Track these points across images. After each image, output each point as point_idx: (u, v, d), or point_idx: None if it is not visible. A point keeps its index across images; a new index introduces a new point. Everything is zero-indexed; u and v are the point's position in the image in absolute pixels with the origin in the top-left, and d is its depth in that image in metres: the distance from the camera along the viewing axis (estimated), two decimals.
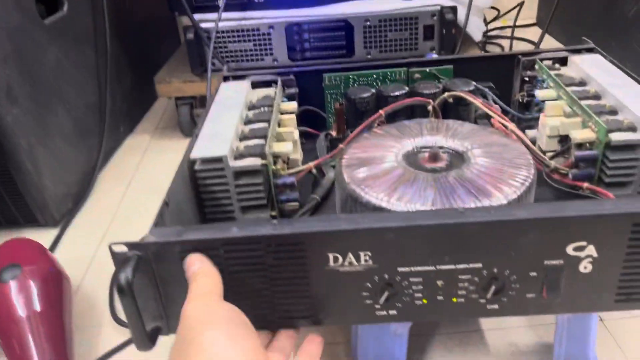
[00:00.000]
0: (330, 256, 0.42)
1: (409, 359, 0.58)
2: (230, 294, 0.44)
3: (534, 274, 0.43)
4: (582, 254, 0.42)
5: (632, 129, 0.54)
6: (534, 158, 0.57)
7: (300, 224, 0.42)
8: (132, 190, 1.04)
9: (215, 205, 0.57)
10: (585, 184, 0.55)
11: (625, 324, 0.66)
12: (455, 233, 0.41)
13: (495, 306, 0.45)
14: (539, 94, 0.64)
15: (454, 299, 0.45)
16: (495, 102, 0.68)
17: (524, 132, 0.66)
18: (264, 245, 0.42)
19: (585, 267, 0.43)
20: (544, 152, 0.62)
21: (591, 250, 0.42)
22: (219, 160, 0.54)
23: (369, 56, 1.15)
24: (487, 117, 0.66)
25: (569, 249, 0.42)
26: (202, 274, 0.41)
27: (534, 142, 0.64)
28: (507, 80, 0.75)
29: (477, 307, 0.45)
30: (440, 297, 0.44)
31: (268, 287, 0.44)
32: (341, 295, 0.44)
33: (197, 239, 0.42)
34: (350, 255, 0.42)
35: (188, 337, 0.36)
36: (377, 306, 0.45)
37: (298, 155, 0.63)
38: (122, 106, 1.23)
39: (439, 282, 0.44)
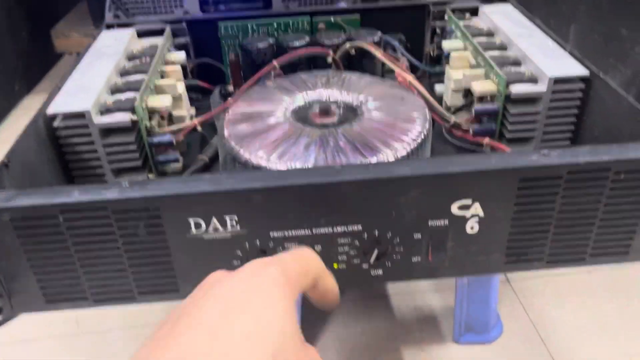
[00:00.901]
0: (192, 222, 0.37)
1: (313, 327, 0.54)
2: (80, 268, 0.39)
3: (418, 235, 0.39)
4: (467, 213, 0.39)
5: (533, 80, 0.51)
6: (435, 113, 0.53)
7: (154, 186, 0.37)
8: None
9: (82, 168, 0.51)
10: (486, 140, 0.52)
11: (530, 284, 0.65)
12: (331, 193, 0.37)
13: (380, 272, 0.41)
14: (445, 45, 0.60)
15: (335, 265, 0.41)
16: (404, 55, 0.64)
17: (433, 87, 0.62)
18: (111, 211, 0.36)
19: (472, 227, 0.39)
20: (449, 107, 0.59)
21: (477, 208, 0.38)
22: (80, 115, 0.48)
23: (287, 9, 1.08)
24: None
25: (454, 208, 0.38)
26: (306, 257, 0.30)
27: (441, 96, 0.61)
28: (419, 32, 0.71)
29: (359, 274, 0.41)
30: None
31: (122, 261, 0.38)
32: (209, 265, 0.39)
33: (30, 205, 0.36)
34: (214, 220, 0.37)
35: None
36: None
37: (184, 112, 0.57)
38: (18, 63, 1.12)
39: (317, 247, 0.39)
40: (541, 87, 0.50)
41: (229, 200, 0.37)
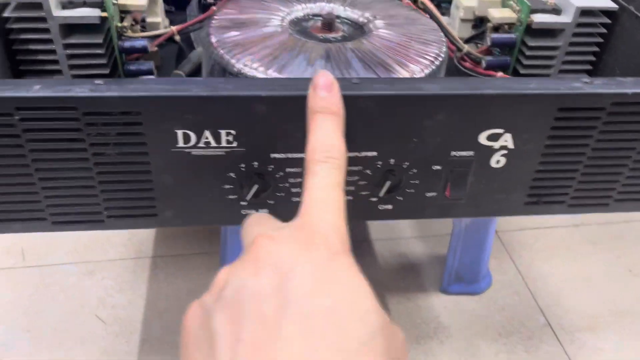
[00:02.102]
0: (179, 133, 0.31)
1: None
2: (38, 181, 0.32)
3: (437, 167, 0.35)
4: (496, 144, 0.34)
5: (556, 11, 0.46)
6: (447, 40, 0.48)
7: (136, 85, 0.30)
8: None
9: (37, 72, 0.43)
10: (499, 74, 0.47)
11: (520, 237, 0.62)
12: (347, 110, 0.32)
13: (389, 206, 0.37)
14: None
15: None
16: None
17: None
18: (81, 112, 0.30)
19: (497, 160, 0.35)
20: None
21: (507, 139, 0.34)
22: (37, 6, 0.39)
23: None
24: None
25: (482, 138, 0.34)
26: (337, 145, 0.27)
27: None
28: None
29: (366, 207, 0.36)
30: None
31: (91, 175, 0.32)
32: (196, 188, 0.34)
33: None
34: (207, 133, 0.31)
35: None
36: (243, 203, 0.35)
37: (159, 19, 0.49)
38: None
39: None
40: (566, 18, 0.45)
41: (228, 110, 0.31)
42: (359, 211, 0.36)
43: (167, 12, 0.58)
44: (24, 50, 0.41)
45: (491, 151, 0.34)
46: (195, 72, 0.51)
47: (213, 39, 0.41)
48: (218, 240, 0.54)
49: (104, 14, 0.41)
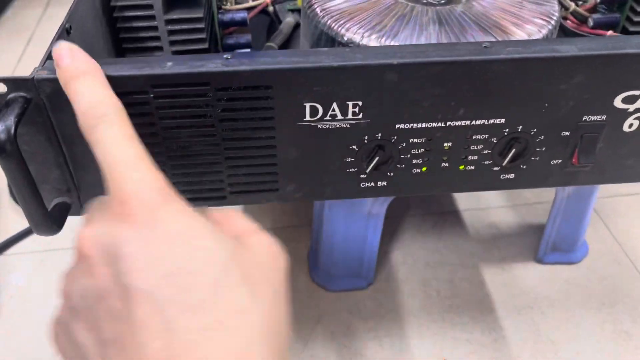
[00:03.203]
0: (307, 106, 0.31)
1: (383, 244, 0.49)
2: (167, 158, 0.32)
3: (566, 133, 0.33)
4: (631, 107, 0.32)
5: None
6: None
7: (266, 59, 0.29)
8: (33, 47, 0.85)
9: (138, 49, 0.43)
10: (609, 32, 0.45)
11: (613, 204, 0.60)
12: (480, 75, 0.30)
13: (511, 175, 0.35)
14: None
15: (462, 167, 0.35)
16: None
17: None
18: (212, 88, 0.29)
19: (630, 124, 0.33)
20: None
21: None
22: None
23: None
24: None
25: (617, 101, 0.32)
26: (104, 100, 0.24)
27: None
28: None
29: (488, 177, 0.35)
30: (444, 165, 0.34)
31: (218, 150, 0.32)
32: (318, 162, 0.33)
33: (116, 76, 0.28)
34: (335, 105, 0.31)
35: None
36: (363, 176, 0.34)
37: None
38: None
39: (447, 145, 0.33)
40: None
41: (357, 80, 0.30)
42: (479, 181, 0.35)
43: None
44: (127, 28, 0.41)
45: (625, 114, 0.33)
46: (286, 44, 0.50)
47: (318, 8, 0.40)
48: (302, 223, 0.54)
49: None
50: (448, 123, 0.32)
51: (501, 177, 0.35)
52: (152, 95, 0.29)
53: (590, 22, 0.45)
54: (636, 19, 0.44)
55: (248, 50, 0.45)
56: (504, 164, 0.34)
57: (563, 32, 0.47)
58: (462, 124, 0.32)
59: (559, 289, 0.51)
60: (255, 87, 0.30)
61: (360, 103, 0.31)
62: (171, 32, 0.42)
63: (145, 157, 0.23)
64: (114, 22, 0.41)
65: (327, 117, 0.31)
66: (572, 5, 0.45)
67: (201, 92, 0.29)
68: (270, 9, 0.47)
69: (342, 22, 0.38)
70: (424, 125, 0.32)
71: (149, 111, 0.30)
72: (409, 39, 0.36)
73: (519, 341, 0.47)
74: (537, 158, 0.34)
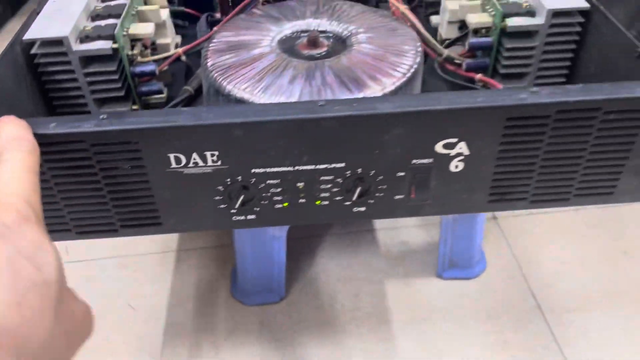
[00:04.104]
0: (172, 157, 0.37)
1: (299, 260, 0.55)
2: (61, 200, 0.38)
3: (401, 174, 0.39)
4: (452, 152, 0.38)
5: (530, 13, 0.48)
6: (428, 47, 0.51)
7: (132, 119, 0.36)
8: None
9: (64, 97, 0.49)
10: (478, 76, 0.50)
11: (517, 222, 0.65)
12: (314, 129, 0.36)
13: (362, 208, 0.41)
14: None
15: (318, 202, 0.40)
16: None
17: (429, 18, 0.59)
18: (89, 144, 0.36)
19: (456, 165, 0.39)
20: (444, 40, 0.56)
21: (462, 147, 0.38)
22: (59, 42, 0.46)
23: None
24: None
25: (439, 147, 0.38)
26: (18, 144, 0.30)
27: (437, 28, 0.58)
28: None
29: (342, 210, 0.41)
30: (302, 200, 0.40)
31: (103, 194, 0.38)
32: (191, 200, 0.39)
33: None
34: (195, 155, 0.37)
35: None
36: (233, 211, 0.40)
37: (168, 40, 0.55)
38: None
39: (299, 184, 0.39)
40: (539, 20, 0.48)
41: (209, 135, 0.36)
42: (337, 214, 0.41)
43: (180, 27, 0.64)
44: (51, 81, 0.48)
45: (449, 158, 0.38)
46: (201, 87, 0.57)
47: (209, 63, 0.46)
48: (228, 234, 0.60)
49: (115, 45, 0.47)
50: (296, 167, 0.38)
51: (353, 209, 0.41)
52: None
53: (464, 67, 0.51)
54: (504, 62, 0.50)
55: (162, 95, 0.52)
56: (353, 199, 0.40)
57: (440, 75, 0.52)
58: (309, 168, 0.38)
59: (453, 302, 0.57)
60: (125, 143, 0.36)
61: (217, 153, 0.37)
62: (90, 83, 0.48)
63: (25, 188, 0.27)
64: (39, 76, 0.48)
65: (191, 165, 0.37)
66: (445, 52, 0.51)
67: (80, 148, 0.36)
68: (183, 57, 0.53)
69: (225, 76, 0.44)
70: (275, 169, 0.38)
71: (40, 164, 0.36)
72: (277, 92, 0.42)
73: (408, 350, 0.53)
74: (382, 194, 0.40)
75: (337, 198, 0.40)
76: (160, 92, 0.51)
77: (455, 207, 0.42)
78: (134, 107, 0.51)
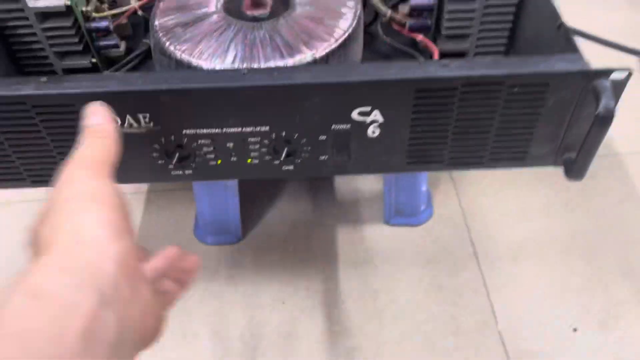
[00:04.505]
0: None
1: (258, 204, 0.60)
2: (13, 155, 0.43)
3: (323, 137, 0.42)
4: (367, 119, 0.41)
5: None
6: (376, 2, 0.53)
7: (69, 84, 0.39)
8: None
9: (27, 50, 0.52)
10: (420, 37, 0.52)
11: (469, 173, 0.68)
12: (236, 97, 0.39)
13: (290, 167, 0.45)
14: None
15: (249, 160, 0.44)
16: None
17: None
18: (29, 106, 0.39)
19: (373, 131, 0.42)
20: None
21: (377, 115, 0.41)
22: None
23: None
24: None
25: (354, 114, 0.41)
26: (97, 135, 0.34)
27: None
28: None
29: (272, 168, 0.45)
30: (234, 159, 0.44)
31: (49, 148, 0.42)
32: (132, 156, 0.43)
33: None
34: (128, 117, 0.40)
35: (64, 210, 0.29)
36: (171, 166, 0.44)
37: None
38: None
39: (229, 144, 0.43)
40: None
41: (139, 100, 0.39)
42: (266, 172, 0.45)
43: None
44: (12, 36, 0.51)
45: (365, 124, 0.41)
46: None
47: (156, 22, 0.48)
48: None
49: (68, 2, 0.49)
50: (224, 129, 0.41)
51: (283, 168, 0.45)
52: None
53: (407, 27, 0.53)
54: (445, 24, 0.51)
55: (119, 49, 0.54)
56: (281, 159, 0.43)
57: (386, 32, 0.54)
58: (235, 130, 0.42)
59: (396, 247, 0.61)
60: (62, 105, 0.39)
61: (148, 115, 0.40)
62: (48, 38, 0.51)
63: (95, 165, 0.31)
64: (2, 32, 0.51)
65: (126, 126, 0.41)
66: (389, 12, 0.52)
67: (21, 109, 0.39)
68: (140, 12, 0.55)
69: (169, 37, 0.47)
70: (204, 131, 0.41)
71: None
72: (212, 57, 0.45)
73: (348, 290, 0.58)
74: (307, 155, 0.44)
75: (267, 158, 0.44)
76: (116, 46, 0.54)
77: (376, 167, 0.45)
78: (93, 60, 0.54)
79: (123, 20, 0.55)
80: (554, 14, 0.44)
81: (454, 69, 0.39)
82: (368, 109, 0.40)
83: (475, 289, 0.57)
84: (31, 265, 0.26)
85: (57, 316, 0.24)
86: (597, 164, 0.68)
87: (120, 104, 0.39)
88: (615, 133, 0.69)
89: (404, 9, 0.54)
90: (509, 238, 0.61)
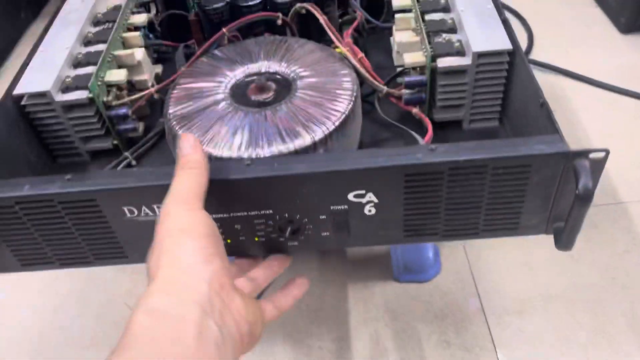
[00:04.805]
0: (125, 209, 0.44)
1: None
2: (43, 242, 0.47)
3: (323, 217, 0.45)
4: (363, 200, 0.44)
5: (460, 53, 0.52)
6: (372, 81, 0.56)
7: (91, 181, 0.43)
8: None
9: (54, 138, 0.57)
10: (415, 110, 0.55)
11: None
12: (240, 186, 0.43)
13: (295, 243, 0.48)
14: (395, 1, 0.61)
15: (256, 238, 0.47)
16: (359, 10, 0.65)
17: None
18: (55, 202, 0.43)
19: (369, 210, 0.45)
20: (397, 67, 0.61)
21: (371, 196, 0.44)
22: (43, 95, 0.53)
23: None
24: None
25: (350, 196, 0.44)
26: (190, 167, 0.40)
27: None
28: None
29: (279, 245, 0.48)
30: (242, 238, 0.47)
31: (75, 236, 0.46)
32: (149, 238, 0.47)
33: None
34: (144, 208, 0.44)
35: (164, 244, 0.36)
36: None
37: (145, 76, 0.62)
38: None
39: (237, 226, 0.46)
40: (467, 60, 0.52)
41: (153, 193, 0.43)
42: (273, 247, 0.48)
43: (165, 53, 0.70)
44: (42, 125, 0.56)
45: (362, 204, 0.44)
46: None
47: (169, 111, 0.53)
48: None
49: (90, 95, 0.54)
50: (231, 214, 0.45)
51: (289, 244, 0.48)
52: (17, 208, 0.44)
53: (403, 100, 0.56)
54: (439, 97, 0.54)
55: (137, 132, 0.59)
56: (286, 236, 0.47)
57: (382, 108, 0.57)
58: (242, 214, 0.45)
59: (405, 303, 0.63)
60: (86, 200, 0.44)
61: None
62: (74, 125, 0.56)
63: (188, 198, 0.38)
64: (32, 122, 0.56)
65: (142, 215, 0.45)
66: (385, 89, 0.56)
67: (49, 205, 0.44)
68: (156, 95, 0.60)
69: (180, 125, 0.51)
70: (214, 216, 0.45)
71: (19, 216, 0.44)
72: (220, 145, 0.49)
73: (360, 348, 0.60)
74: (310, 232, 0.47)
75: (273, 235, 0.47)
76: (134, 130, 0.58)
77: (376, 240, 0.48)
78: (114, 142, 0.59)
79: (138, 106, 0.59)
80: (537, 92, 0.47)
81: (440, 154, 0.41)
82: (362, 192, 0.43)
83: (482, 345, 0.59)
84: (146, 290, 0.34)
85: (172, 326, 0.32)
86: (601, 214, 0.70)
87: (136, 197, 0.43)
88: (618, 182, 0.71)
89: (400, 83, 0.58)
90: (515, 291, 0.63)
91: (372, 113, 0.60)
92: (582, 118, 0.78)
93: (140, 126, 0.59)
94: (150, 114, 0.63)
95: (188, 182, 0.39)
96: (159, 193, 0.43)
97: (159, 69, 0.67)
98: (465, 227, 0.47)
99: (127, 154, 0.58)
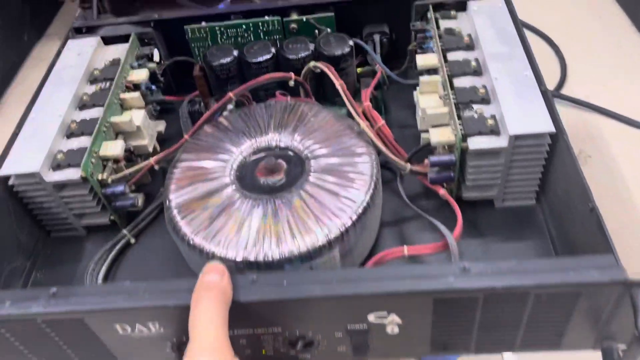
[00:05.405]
0: (118, 327, 0.39)
1: None
2: (28, 354, 0.42)
3: (339, 334, 0.40)
4: (385, 321, 0.39)
5: (495, 132, 0.46)
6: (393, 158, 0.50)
7: (77, 299, 0.38)
8: None
9: (46, 215, 0.53)
10: (442, 192, 0.49)
11: None
12: (243, 306, 0.38)
13: (308, 355, 0.43)
14: (419, 60, 0.55)
15: (264, 351, 0.42)
16: (378, 63, 0.59)
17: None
18: (39, 320, 0.39)
19: (392, 329, 0.40)
20: (421, 132, 0.55)
21: (394, 318, 0.38)
22: (32, 175, 0.49)
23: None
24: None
25: (371, 317, 0.38)
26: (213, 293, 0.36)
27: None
28: (406, 19, 0.64)
29: (289, 357, 0.43)
30: (248, 352, 0.42)
31: (63, 348, 0.42)
32: (144, 353, 0.42)
33: None
34: (138, 325, 0.39)
35: None
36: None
37: (145, 141, 0.57)
38: (24, 11, 1.10)
39: (242, 341, 0.41)
40: (501, 142, 0.46)
41: (147, 312, 0.38)
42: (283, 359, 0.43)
43: (169, 104, 0.65)
44: (33, 203, 0.52)
45: (383, 325, 0.39)
46: None
47: (170, 197, 0.48)
48: None
49: (82, 174, 0.49)
50: (235, 331, 0.40)
51: (300, 357, 0.43)
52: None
53: (429, 179, 0.50)
54: (468, 177, 0.49)
55: (136, 207, 0.54)
56: (297, 349, 0.42)
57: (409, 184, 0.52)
58: (248, 332, 0.40)
59: None
60: (73, 320, 0.39)
61: (157, 323, 0.39)
62: (66, 203, 0.52)
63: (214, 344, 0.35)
64: (22, 201, 0.51)
65: (136, 331, 0.40)
66: (408, 167, 0.50)
67: (33, 324, 0.39)
68: (156, 166, 0.54)
69: (181, 214, 0.46)
70: None
71: (3, 334, 0.40)
72: (225, 244, 0.44)
73: None
74: (324, 348, 0.42)
75: (282, 350, 0.42)
76: (133, 205, 0.53)
77: (399, 353, 0.43)
78: (112, 217, 0.54)
79: (137, 179, 0.54)
80: (584, 191, 0.41)
81: (475, 278, 0.36)
82: (384, 313, 0.38)
83: None
84: None
85: None
86: None
87: (129, 316, 0.38)
88: None
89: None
90: None
91: (394, 183, 0.54)
92: (624, 167, 0.71)
93: (140, 199, 0.54)
94: (151, 181, 0.58)
95: (212, 330, 0.35)
96: (154, 313, 0.38)
97: (161, 126, 0.62)
98: (500, 343, 0.41)
99: (125, 231, 0.53)
